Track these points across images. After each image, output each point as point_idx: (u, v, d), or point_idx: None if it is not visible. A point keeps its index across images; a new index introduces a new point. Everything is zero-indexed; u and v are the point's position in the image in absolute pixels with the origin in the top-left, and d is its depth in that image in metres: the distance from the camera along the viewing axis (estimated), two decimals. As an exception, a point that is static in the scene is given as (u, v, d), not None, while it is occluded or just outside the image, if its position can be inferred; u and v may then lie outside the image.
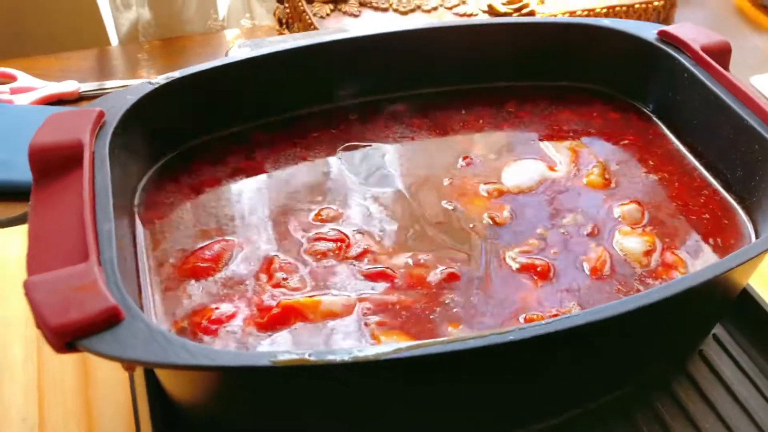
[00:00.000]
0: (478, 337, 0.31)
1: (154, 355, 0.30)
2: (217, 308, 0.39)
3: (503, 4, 0.74)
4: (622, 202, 0.46)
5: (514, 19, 0.56)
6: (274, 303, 0.39)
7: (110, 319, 0.30)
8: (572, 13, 0.73)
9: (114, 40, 0.92)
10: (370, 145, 0.50)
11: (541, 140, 0.51)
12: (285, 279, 0.41)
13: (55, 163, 0.38)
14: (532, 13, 0.71)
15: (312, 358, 0.30)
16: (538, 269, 0.43)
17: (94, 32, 0.90)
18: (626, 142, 0.51)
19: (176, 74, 0.45)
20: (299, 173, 0.48)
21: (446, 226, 0.45)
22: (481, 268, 0.42)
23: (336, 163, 0.49)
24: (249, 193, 0.46)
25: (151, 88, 0.44)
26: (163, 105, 0.45)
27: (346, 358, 0.30)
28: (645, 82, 0.52)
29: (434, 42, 0.52)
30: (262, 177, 0.47)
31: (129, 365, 0.34)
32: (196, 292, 0.40)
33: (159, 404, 0.38)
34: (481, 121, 0.52)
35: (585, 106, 0.53)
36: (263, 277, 0.41)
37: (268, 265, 0.41)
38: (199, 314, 0.38)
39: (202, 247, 0.42)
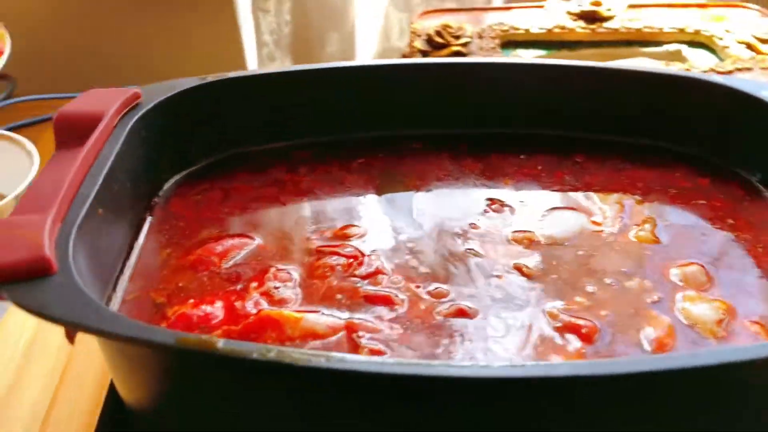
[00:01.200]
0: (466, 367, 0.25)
1: (65, 314, 0.28)
2: (193, 303, 0.36)
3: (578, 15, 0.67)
4: (681, 262, 0.38)
5: (603, 64, 0.49)
6: (254, 311, 0.36)
7: (38, 270, 0.29)
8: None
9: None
10: (416, 181, 0.46)
11: (596, 192, 0.43)
12: (276, 288, 0.37)
13: (75, 132, 0.38)
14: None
15: (220, 345, 0.26)
16: (583, 330, 0.35)
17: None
18: (702, 202, 0.42)
19: (230, 74, 0.45)
20: (336, 194, 0.45)
21: (466, 269, 0.39)
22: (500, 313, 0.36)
23: (374, 191, 0.45)
24: (279, 204, 0.44)
25: (198, 82, 0.44)
26: (210, 103, 0.44)
27: (257, 355, 0.26)
28: (757, 148, 0.43)
29: (506, 79, 0.47)
30: (297, 191, 0.45)
31: (69, 335, 0.32)
32: (187, 281, 0.38)
33: (111, 404, 0.35)
34: (539, 168, 0.46)
35: (666, 167, 0.45)
36: (254, 284, 0.38)
37: (263, 272, 0.38)
38: (176, 302, 0.36)
39: (213, 241, 0.40)
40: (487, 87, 0.47)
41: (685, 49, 0.75)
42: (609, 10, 0.77)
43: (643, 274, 0.38)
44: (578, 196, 0.43)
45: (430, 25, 0.74)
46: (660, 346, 0.35)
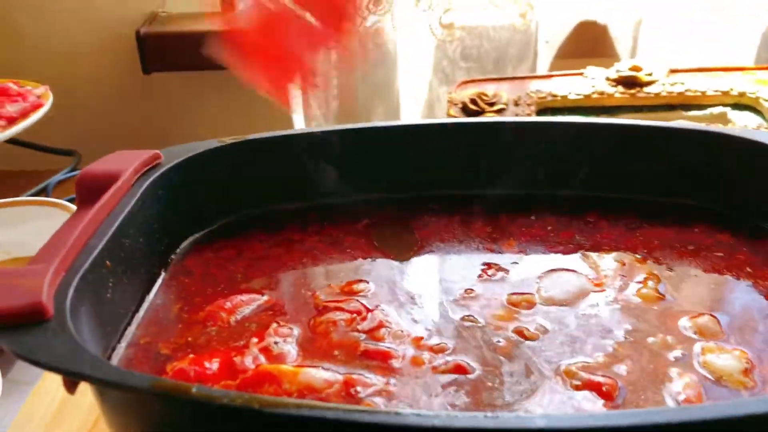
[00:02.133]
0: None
1: (49, 358, 0.28)
2: (192, 359, 0.36)
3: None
4: (691, 314, 0.35)
5: (618, 121, 0.48)
6: (252, 366, 0.36)
7: (33, 315, 0.30)
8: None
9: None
10: (422, 242, 0.46)
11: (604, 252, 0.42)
12: (276, 343, 0.37)
13: (95, 190, 0.40)
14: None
15: (194, 390, 0.26)
16: (604, 388, 0.33)
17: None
18: (720, 254, 0.40)
19: (248, 136, 0.46)
20: (344, 253, 0.45)
21: (472, 335, 0.38)
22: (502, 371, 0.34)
23: (382, 252, 0.45)
24: (289, 262, 0.44)
25: (217, 144, 0.45)
26: (229, 164, 0.46)
27: (238, 401, 0.26)
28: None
29: (521, 139, 0.47)
30: (307, 250, 0.45)
31: (68, 386, 0.32)
32: (195, 335, 0.38)
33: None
34: (549, 228, 0.45)
35: (684, 224, 0.43)
36: (254, 339, 0.38)
37: (264, 328, 0.38)
38: (180, 356, 0.36)
39: (223, 298, 0.41)
40: (505, 147, 0.47)
41: (730, 112, 0.73)
42: (649, 75, 0.76)
43: (653, 329, 0.36)
44: (578, 257, 0.42)
45: (467, 93, 0.75)
46: (688, 400, 0.32)
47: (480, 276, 0.42)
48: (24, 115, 0.71)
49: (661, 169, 0.46)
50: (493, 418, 0.24)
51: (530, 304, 0.39)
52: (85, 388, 0.32)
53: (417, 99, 0.97)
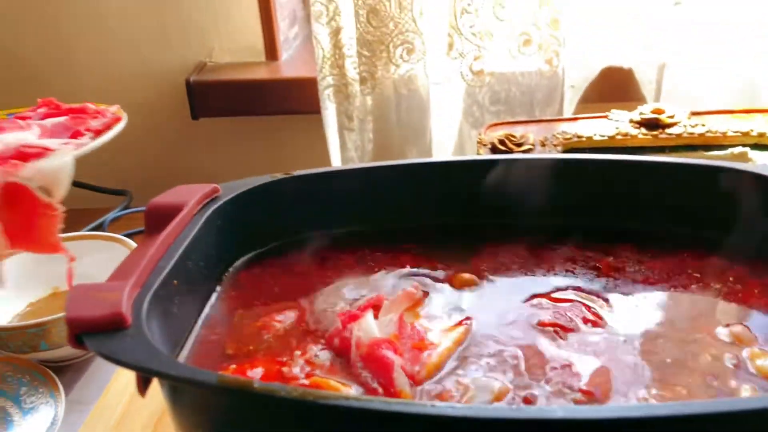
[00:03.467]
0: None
1: (130, 359, 0.33)
2: (237, 368, 0.40)
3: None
4: (727, 322, 0.39)
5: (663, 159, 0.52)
6: (301, 374, 0.40)
7: (114, 323, 0.34)
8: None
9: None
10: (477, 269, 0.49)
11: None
12: (316, 356, 0.41)
13: (161, 219, 0.45)
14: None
15: (256, 385, 0.30)
16: None
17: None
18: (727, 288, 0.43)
19: (295, 172, 0.51)
20: (389, 275, 0.49)
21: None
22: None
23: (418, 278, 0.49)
24: (332, 282, 0.48)
25: (269, 179, 0.50)
26: (278, 196, 0.50)
27: (294, 394, 0.30)
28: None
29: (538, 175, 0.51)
30: (351, 273, 0.49)
31: (141, 388, 0.37)
32: (256, 343, 0.42)
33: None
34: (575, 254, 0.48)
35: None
36: (297, 351, 0.42)
37: (305, 340, 0.42)
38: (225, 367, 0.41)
39: (275, 311, 0.45)
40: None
41: (750, 151, 0.76)
42: (671, 117, 0.80)
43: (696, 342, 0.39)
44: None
45: (496, 135, 0.79)
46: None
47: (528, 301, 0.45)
48: (107, 127, 0.77)
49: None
50: (517, 410, 0.28)
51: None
52: (152, 394, 0.37)
53: (448, 141, 1.02)
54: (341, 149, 1.02)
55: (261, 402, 0.31)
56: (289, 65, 1.08)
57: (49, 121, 0.72)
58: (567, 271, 0.48)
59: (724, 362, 0.37)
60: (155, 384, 0.36)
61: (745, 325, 0.39)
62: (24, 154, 0.46)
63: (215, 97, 1.04)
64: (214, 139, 1.11)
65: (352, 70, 0.96)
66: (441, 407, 0.28)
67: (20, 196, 0.42)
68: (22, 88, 1.10)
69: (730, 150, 0.77)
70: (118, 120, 0.77)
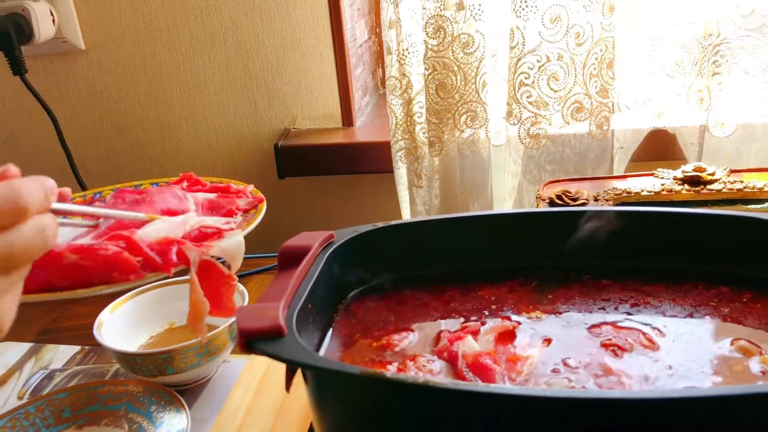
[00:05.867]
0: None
1: (294, 357, 0.44)
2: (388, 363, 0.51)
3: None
4: (731, 338, 0.48)
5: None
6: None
7: (275, 332, 0.46)
8: None
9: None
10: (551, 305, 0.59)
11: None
12: (423, 366, 0.52)
13: (292, 258, 0.56)
14: None
15: (388, 375, 0.41)
16: None
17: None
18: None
19: (392, 222, 0.62)
20: (466, 304, 0.59)
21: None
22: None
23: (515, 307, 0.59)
24: (427, 313, 0.59)
25: (372, 227, 0.62)
26: (379, 241, 0.62)
27: (419, 381, 0.40)
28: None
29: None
30: (443, 304, 0.60)
31: (288, 384, 0.48)
32: (374, 355, 0.53)
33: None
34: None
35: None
36: (410, 363, 0.52)
37: (416, 355, 0.53)
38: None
39: (395, 332, 0.56)
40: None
41: (786, 204, 0.85)
42: (712, 174, 0.89)
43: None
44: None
45: (553, 191, 0.90)
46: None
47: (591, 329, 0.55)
48: (252, 206, 0.81)
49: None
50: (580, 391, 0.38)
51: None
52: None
53: (508, 197, 1.13)
54: (410, 204, 1.14)
55: (393, 388, 0.41)
56: (363, 130, 1.21)
57: (200, 196, 0.77)
58: (620, 303, 0.58)
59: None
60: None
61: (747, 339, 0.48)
62: (205, 234, 0.57)
63: (299, 159, 1.17)
64: (298, 196, 1.24)
65: (421, 135, 1.08)
66: (534, 389, 0.38)
67: (210, 270, 0.54)
68: (129, 159, 1.26)
69: (766, 203, 0.86)
70: (261, 201, 0.82)
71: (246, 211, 0.76)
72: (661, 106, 1.06)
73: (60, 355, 0.89)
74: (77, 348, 0.90)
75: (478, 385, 0.39)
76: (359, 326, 0.57)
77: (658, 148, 1.09)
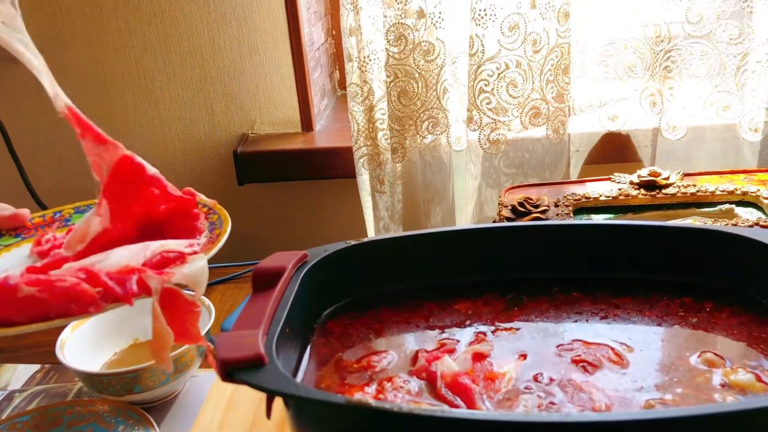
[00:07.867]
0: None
1: (276, 387, 0.44)
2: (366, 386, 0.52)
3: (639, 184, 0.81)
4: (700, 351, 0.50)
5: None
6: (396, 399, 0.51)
7: (256, 361, 0.45)
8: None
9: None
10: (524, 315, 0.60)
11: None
12: (401, 386, 0.52)
13: (266, 279, 0.56)
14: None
15: (372, 403, 0.41)
16: None
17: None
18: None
19: (364, 239, 0.63)
20: (444, 319, 0.60)
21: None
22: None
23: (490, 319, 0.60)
24: (412, 329, 0.60)
25: (343, 245, 0.62)
26: (352, 259, 0.62)
27: (402, 409, 0.41)
28: None
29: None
30: (420, 319, 0.61)
31: (269, 410, 0.48)
32: (356, 375, 0.54)
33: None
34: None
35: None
36: (387, 384, 0.53)
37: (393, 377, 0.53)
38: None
39: (373, 355, 0.56)
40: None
41: (736, 208, 0.88)
42: (666, 179, 0.92)
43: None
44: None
45: (515, 197, 0.92)
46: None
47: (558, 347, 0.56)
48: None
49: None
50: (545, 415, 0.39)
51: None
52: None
53: (469, 201, 1.14)
54: (374, 209, 1.14)
55: (378, 417, 0.42)
56: (323, 135, 1.21)
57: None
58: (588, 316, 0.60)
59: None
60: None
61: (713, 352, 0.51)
62: (167, 259, 0.55)
63: (258, 165, 1.16)
64: (258, 203, 1.23)
65: (383, 141, 1.09)
66: (515, 414, 0.39)
67: (173, 298, 0.53)
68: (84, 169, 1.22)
69: (718, 207, 0.89)
70: (226, 220, 0.76)
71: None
72: (615, 110, 1.09)
73: (18, 375, 0.87)
74: (37, 367, 0.88)
75: (463, 412, 0.40)
76: (337, 345, 0.57)
77: (613, 150, 1.12)
